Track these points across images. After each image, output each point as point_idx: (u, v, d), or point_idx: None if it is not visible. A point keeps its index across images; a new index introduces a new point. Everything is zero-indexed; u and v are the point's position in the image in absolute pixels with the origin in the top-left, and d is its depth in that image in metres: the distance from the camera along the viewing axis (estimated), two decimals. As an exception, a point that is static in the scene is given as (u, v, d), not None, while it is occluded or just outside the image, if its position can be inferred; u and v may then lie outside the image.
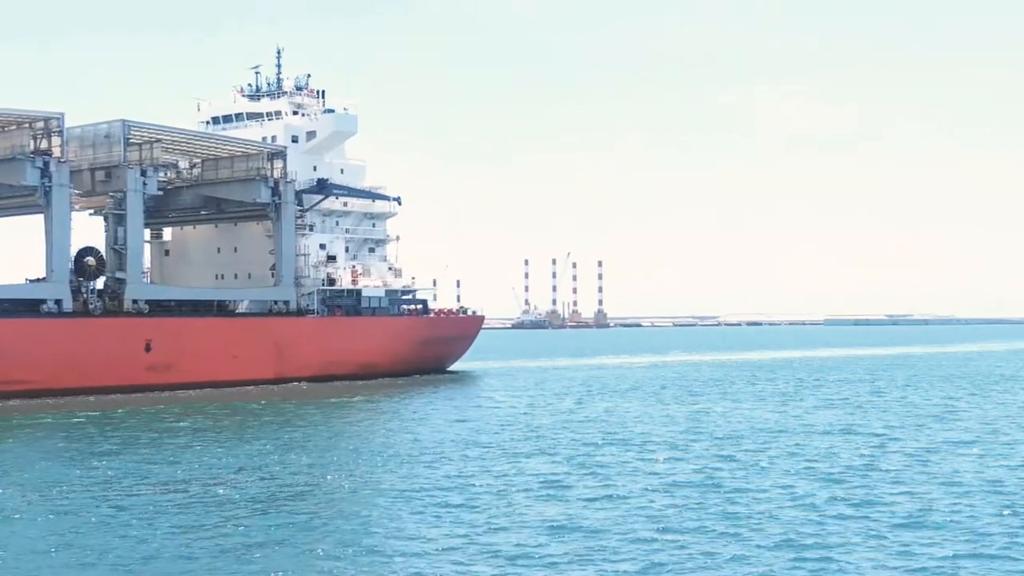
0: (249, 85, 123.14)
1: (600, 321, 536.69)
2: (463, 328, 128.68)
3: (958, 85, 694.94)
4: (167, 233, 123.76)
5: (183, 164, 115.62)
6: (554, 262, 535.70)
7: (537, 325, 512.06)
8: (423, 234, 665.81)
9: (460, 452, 57.68)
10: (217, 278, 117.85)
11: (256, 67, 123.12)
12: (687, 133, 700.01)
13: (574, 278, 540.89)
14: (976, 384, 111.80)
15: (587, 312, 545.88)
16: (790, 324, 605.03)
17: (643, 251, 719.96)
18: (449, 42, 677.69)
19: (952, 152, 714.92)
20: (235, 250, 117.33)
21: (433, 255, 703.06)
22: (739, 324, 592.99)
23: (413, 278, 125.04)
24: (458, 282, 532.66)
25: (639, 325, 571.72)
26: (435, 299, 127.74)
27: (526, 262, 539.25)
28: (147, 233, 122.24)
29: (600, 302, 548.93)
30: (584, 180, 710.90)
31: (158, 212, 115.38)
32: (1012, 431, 67.58)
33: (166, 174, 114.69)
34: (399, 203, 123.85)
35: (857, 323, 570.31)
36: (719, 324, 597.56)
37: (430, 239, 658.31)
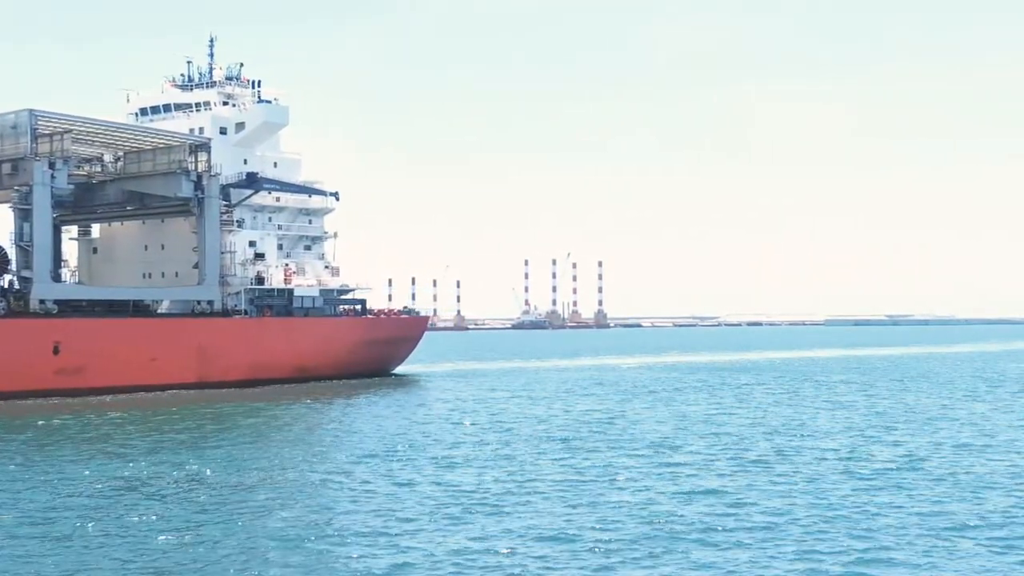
0: (182, 75, 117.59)
1: (600, 321, 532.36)
2: (405, 329, 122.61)
3: (958, 85, 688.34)
4: (95, 230, 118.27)
5: (108, 157, 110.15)
6: (554, 262, 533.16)
7: (537, 325, 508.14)
8: (422, 233, 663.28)
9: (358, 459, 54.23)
10: (144, 277, 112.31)
11: (188, 56, 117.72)
12: (687, 133, 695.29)
13: (574, 278, 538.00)
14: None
15: (587, 312, 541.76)
16: (790, 324, 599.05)
17: (643, 251, 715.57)
18: (449, 42, 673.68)
19: (952, 152, 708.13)
20: (162, 247, 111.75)
21: (433, 255, 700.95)
22: (739, 324, 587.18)
23: (345, 284, 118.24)
24: (458, 282, 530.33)
25: (639, 325, 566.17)
26: (360, 297, 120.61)
27: (526, 262, 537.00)
28: (74, 230, 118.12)
29: (600, 302, 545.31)
30: (584, 180, 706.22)
31: (82, 207, 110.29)
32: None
33: (90, 168, 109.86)
34: (336, 198, 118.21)
35: (857, 323, 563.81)
36: (719, 324, 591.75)
37: (429, 238, 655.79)
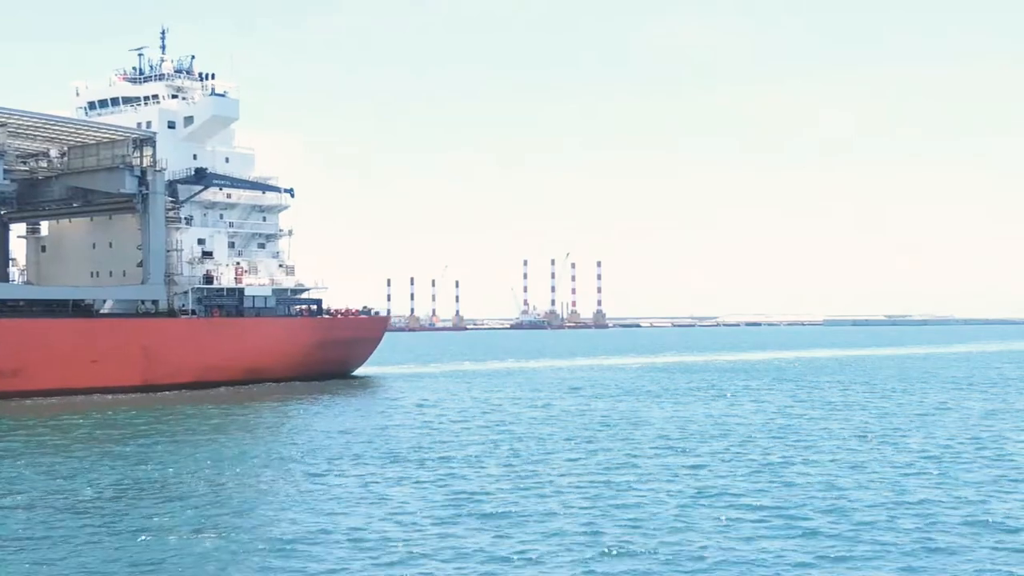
0: (134, 68, 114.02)
1: (599, 321, 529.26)
2: (364, 329, 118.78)
3: (959, 85, 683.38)
4: (44, 228, 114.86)
5: (54, 153, 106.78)
6: (553, 262, 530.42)
7: (536, 326, 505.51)
8: (421, 233, 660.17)
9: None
10: (92, 276, 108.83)
11: (140, 49, 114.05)
12: (686, 133, 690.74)
13: (573, 278, 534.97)
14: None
15: (586, 312, 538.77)
16: (789, 324, 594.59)
17: (642, 251, 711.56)
18: (449, 41, 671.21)
19: (952, 152, 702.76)
20: (110, 245, 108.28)
21: (432, 255, 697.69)
22: (738, 325, 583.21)
23: (300, 283, 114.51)
24: (457, 282, 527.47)
25: (638, 325, 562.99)
26: (316, 296, 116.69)
27: (525, 262, 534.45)
28: (23, 227, 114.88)
29: (599, 302, 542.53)
30: (584, 180, 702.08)
31: (28, 204, 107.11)
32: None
33: (35, 163, 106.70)
34: (291, 195, 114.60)
35: (856, 323, 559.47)
36: (718, 324, 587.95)
37: (428, 238, 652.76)
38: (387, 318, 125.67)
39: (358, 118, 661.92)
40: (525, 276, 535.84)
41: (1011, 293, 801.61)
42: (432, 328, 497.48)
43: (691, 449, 57.45)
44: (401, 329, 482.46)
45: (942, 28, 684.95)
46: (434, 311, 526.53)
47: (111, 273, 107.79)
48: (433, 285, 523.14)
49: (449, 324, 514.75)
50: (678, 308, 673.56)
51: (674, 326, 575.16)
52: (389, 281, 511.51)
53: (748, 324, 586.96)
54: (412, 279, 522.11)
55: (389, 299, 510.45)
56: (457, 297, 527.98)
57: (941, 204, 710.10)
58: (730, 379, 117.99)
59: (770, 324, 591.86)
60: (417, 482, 46.84)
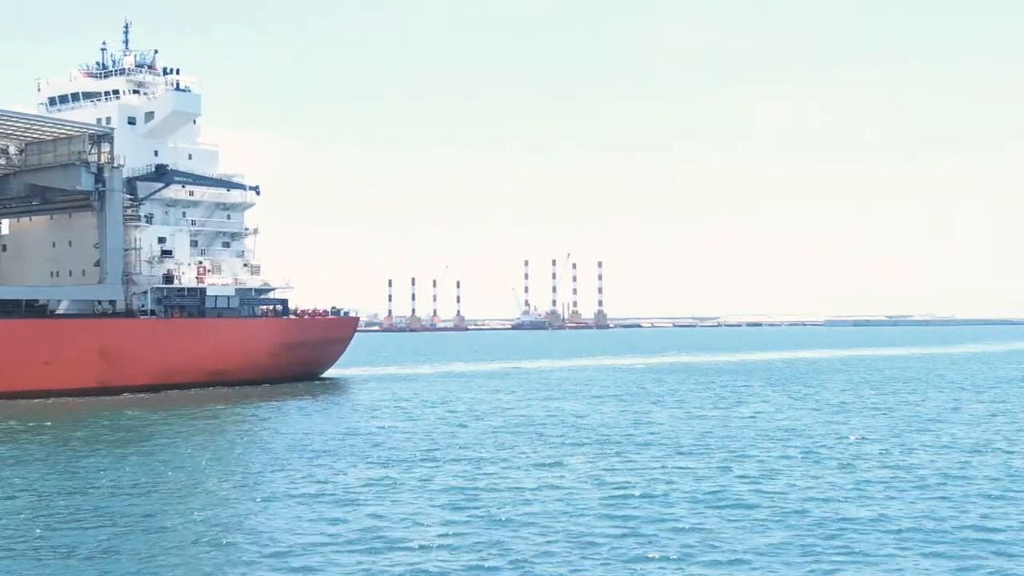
0: (97, 63, 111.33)
1: (600, 322, 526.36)
2: (332, 331, 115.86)
3: (959, 85, 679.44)
4: (4, 226, 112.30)
5: (12, 149, 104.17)
6: (554, 263, 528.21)
7: (537, 326, 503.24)
8: (422, 234, 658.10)
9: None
10: (52, 275, 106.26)
11: (103, 43, 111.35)
12: (687, 133, 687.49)
13: (574, 279, 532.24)
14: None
15: (587, 313, 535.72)
16: (790, 325, 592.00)
17: (643, 251, 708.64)
18: (450, 40, 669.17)
19: (952, 152, 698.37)
20: (69, 244, 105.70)
21: (433, 255, 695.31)
22: (739, 325, 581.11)
23: (266, 283, 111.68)
24: (458, 283, 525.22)
25: (639, 326, 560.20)
26: (282, 297, 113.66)
27: (526, 263, 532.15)
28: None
29: (600, 303, 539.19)
30: (584, 180, 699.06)
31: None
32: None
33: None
34: (257, 192, 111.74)
35: (857, 324, 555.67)
36: (719, 325, 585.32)
37: (429, 239, 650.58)
38: (356, 319, 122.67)
39: (358, 117, 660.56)
40: (526, 276, 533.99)
41: (1011, 293, 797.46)
42: (433, 328, 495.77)
43: (696, 450, 56.35)
44: (403, 329, 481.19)
45: (941, 28, 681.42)
46: (435, 311, 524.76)
47: (71, 272, 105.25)
48: (434, 285, 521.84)
49: (450, 324, 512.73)
50: (679, 308, 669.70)
51: (675, 326, 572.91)
52: (391, 281, 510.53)
53: (749, 324, 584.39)
54: (413, 279, 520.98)
55: (391, 299, 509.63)
56: (458, 297, 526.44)
57: (941, 204, 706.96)
58: (733, 379, 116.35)
59: (771, 324, 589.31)
60: (416, 484, 46.08)
